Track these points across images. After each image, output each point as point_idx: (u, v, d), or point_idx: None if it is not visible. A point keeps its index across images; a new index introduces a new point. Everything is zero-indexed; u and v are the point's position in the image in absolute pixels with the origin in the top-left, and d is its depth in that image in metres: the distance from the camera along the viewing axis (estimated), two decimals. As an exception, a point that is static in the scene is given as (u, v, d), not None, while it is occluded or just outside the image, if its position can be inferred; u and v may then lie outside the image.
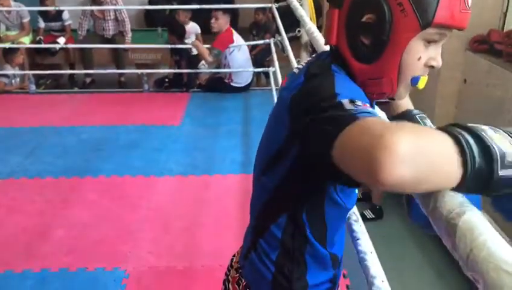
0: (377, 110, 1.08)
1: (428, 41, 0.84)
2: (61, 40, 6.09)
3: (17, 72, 5.60)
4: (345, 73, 0.88)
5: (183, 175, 3.53)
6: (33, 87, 5.43)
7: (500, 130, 0.61)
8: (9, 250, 2.61)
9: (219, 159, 3.76)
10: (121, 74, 6.26)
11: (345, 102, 0.71)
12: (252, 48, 6.03)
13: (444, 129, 0.60)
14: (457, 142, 0.57)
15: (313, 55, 1.06)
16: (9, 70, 5.54)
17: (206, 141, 4.10)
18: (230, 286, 1.12)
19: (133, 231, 2.84)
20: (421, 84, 0.89)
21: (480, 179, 0.58)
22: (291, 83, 0.92)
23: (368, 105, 0.74)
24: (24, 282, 2.38)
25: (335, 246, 1.02)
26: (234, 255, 1.19)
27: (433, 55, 0.86)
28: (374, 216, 3.57)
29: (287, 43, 3.55)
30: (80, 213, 3.00)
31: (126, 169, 3.58)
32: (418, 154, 0.55)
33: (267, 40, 5.45)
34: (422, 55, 0.85)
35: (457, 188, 0.59)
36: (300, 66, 1.00)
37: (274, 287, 1.01)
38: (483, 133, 0.59)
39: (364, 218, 3.33)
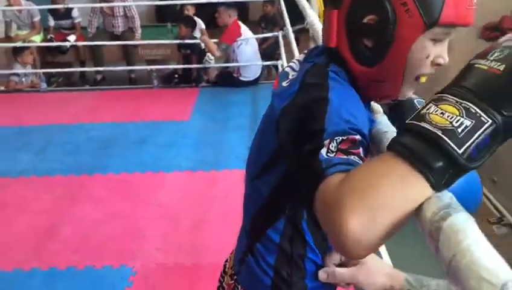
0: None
1: (434, 40, 0.80)
2: (72, 38, 6.12)
3: (28, 70, 5.64)
4: (345, 74, 0.84)
5: (192, 171, 3.52)
6: (44, 85, 5.47)
7: (446, 96, 0.57)
8: (18, 248, 2.62)
9: (228, 154, 3.73)
10: (131, 71, 6.28)
11: (325, 145, 0.68)
12: (262, 41, 5.99)
13: (390, 147, 0.58)
14: (405, 157, 0.55)
15: (306, 52, 0.99)
16: (20, 69, 5.58)
17: (215, 136, 4.08)
18: None
19: (141, 228, 2.84)
20: (422, 79, 0.85)
21: (448, 171, 0.54)
22: (284, 91, 0.87)
23: (353, 135, 0.70)
24: (32, 280, 2.39)
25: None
26: (227, 261, 1.15)
27: (439, 52, 0.82)
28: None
29: (291, 36, 3.50)
30: (88, 211, 3.01)
31: (135, 165, 3.58)
32: (373, 219, 0.55)
33: (276, 33, 5.40)
34: (430, 53, 0.81)
35: (439, 191, 0.55)
36: (293, 64, 0.95)
37: None
38: (423, 124, 0.55)
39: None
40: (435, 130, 0.54)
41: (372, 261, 0.92)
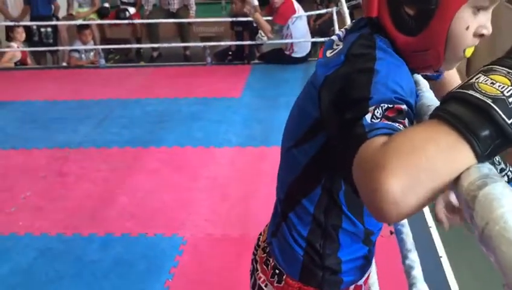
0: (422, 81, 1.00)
1: (478, 9, 0.76)
2: (131, 10, 6.31)
3: (88, 47, 5.86)
4: (390, 44, 0.81)
5: (242, 146, 3.57)
6: (103, 61, 5.67)
7: (496, 67, 0.55)
8: (77, 215, 2.78)
9: (277, 130, 3.72)
10: (186, 48, 6.38)
11: (370, 112, 0.66)
12: (316, 18, 5.92)
13: (435, 114, 0.57)
14: (451, 124, 0.54)
15: (353, 22, 0.95)
16: (80, 46, 5.81)
17: (265, 112, 4.11)
18: (258, 266, 1.07)
19: (191, 200, 2.93)
20: (468, 52, 0.81)
21: (494, 142, 0.53)
22: (329, 62, 0.84)
23: (400, 105, 0.68)
24: (90, 245, 2.53)
25: (371, 221, 0.97)
26: (261, 234, 1.14)
27: (483, 22, 0.78)
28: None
29: (345, 9, 3.43)
30: (143, 181, 3.13)
31: (187, 140, 3.68)
32: (415, 182, 0.54)
33: (329, 9, 5.31)
34: (470, 25, 0.77)
35: (480, 161, 0.54)
36: (340, 33, 0.93)
37: (305, 263, 0.97)
38: (471, 92, 0.54)
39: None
40: (484, 98, 0.53)
41: None
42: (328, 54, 0.86)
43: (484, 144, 0.53)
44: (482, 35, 0.79)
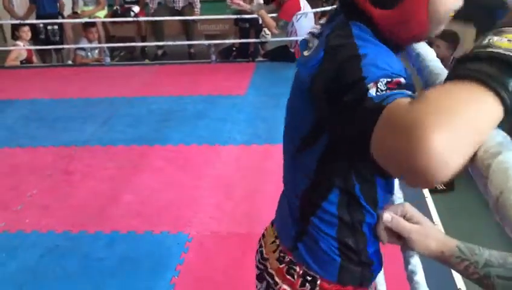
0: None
1: None
2: (136, 9, 6.32)
3: (93, 45, 5.88)
4: (367, 28, 0.78)
5: (247, 144, 3.56)
6: (108, 59, 5.69)
7: (505, 28, 0.57)
8: (83, 212, 2.77)
9: (281, 128, 3.71)
10: (190, 46, 6.38)
11: (371, 87, 0.65)
12: (321, 15, 5.88)
13: (459, 73, 0.56)
14: (479, 80, 0.54)
15: (327, 18, 0.93)
16: (86, 44, 5.83)
17: (270, 110, 4.09)
18: (278, 279, 1.00)
19: (197, 197, 2.92)
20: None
21: None
22: (308, 60, 0.82)
23: (397, 78, 0.67)
24: (96, 242, 2.53)
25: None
26: (262, 246, 1.08)
27: None
28: (444, 187, 3.38)
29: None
30: (148, 179, 3.13)
31: (193, 138, 3.67)
32: (459, 137, 0.52)
33: (336, 6, 5.28)
34: None
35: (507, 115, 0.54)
36: (314, 31, 0.90)
37: (343, 263, 0.93)
38: (491, 50, 0.54)
39: (434, 189, 3.15)
40: (507, 52, 0.54)
41: (429, 225, 0.90)
42: (306, 53, 0.85)
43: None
44: None
